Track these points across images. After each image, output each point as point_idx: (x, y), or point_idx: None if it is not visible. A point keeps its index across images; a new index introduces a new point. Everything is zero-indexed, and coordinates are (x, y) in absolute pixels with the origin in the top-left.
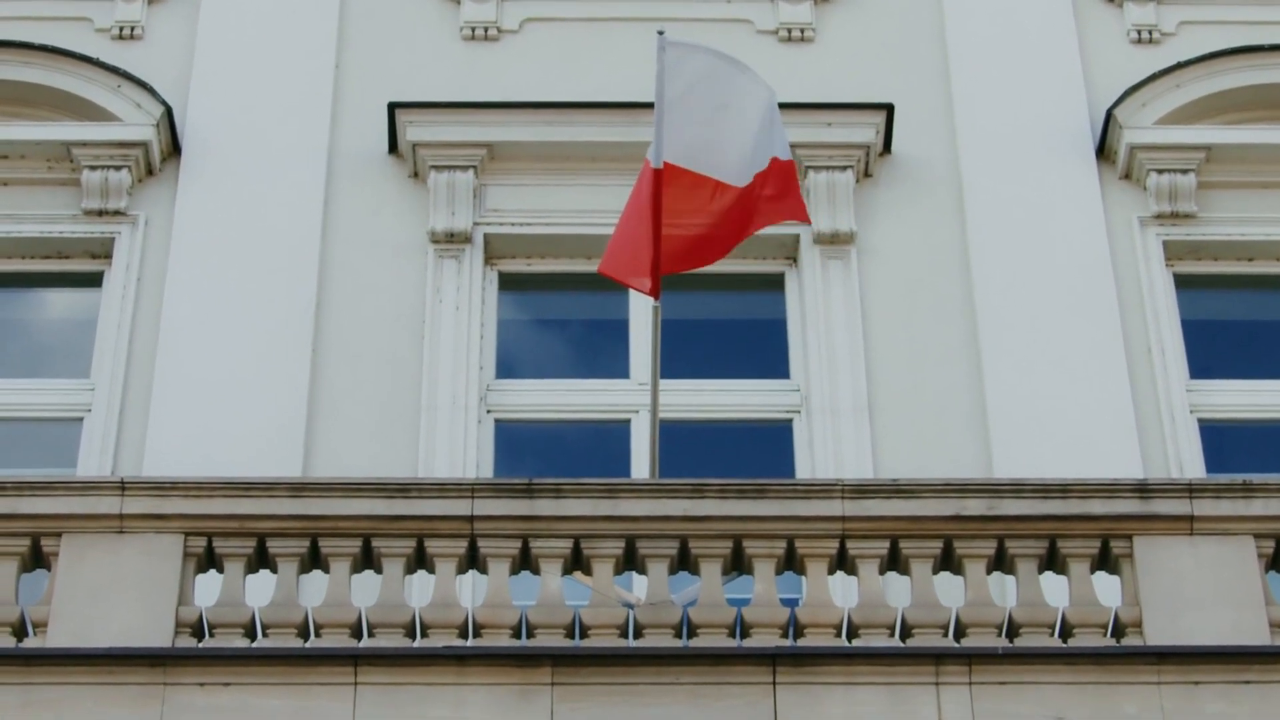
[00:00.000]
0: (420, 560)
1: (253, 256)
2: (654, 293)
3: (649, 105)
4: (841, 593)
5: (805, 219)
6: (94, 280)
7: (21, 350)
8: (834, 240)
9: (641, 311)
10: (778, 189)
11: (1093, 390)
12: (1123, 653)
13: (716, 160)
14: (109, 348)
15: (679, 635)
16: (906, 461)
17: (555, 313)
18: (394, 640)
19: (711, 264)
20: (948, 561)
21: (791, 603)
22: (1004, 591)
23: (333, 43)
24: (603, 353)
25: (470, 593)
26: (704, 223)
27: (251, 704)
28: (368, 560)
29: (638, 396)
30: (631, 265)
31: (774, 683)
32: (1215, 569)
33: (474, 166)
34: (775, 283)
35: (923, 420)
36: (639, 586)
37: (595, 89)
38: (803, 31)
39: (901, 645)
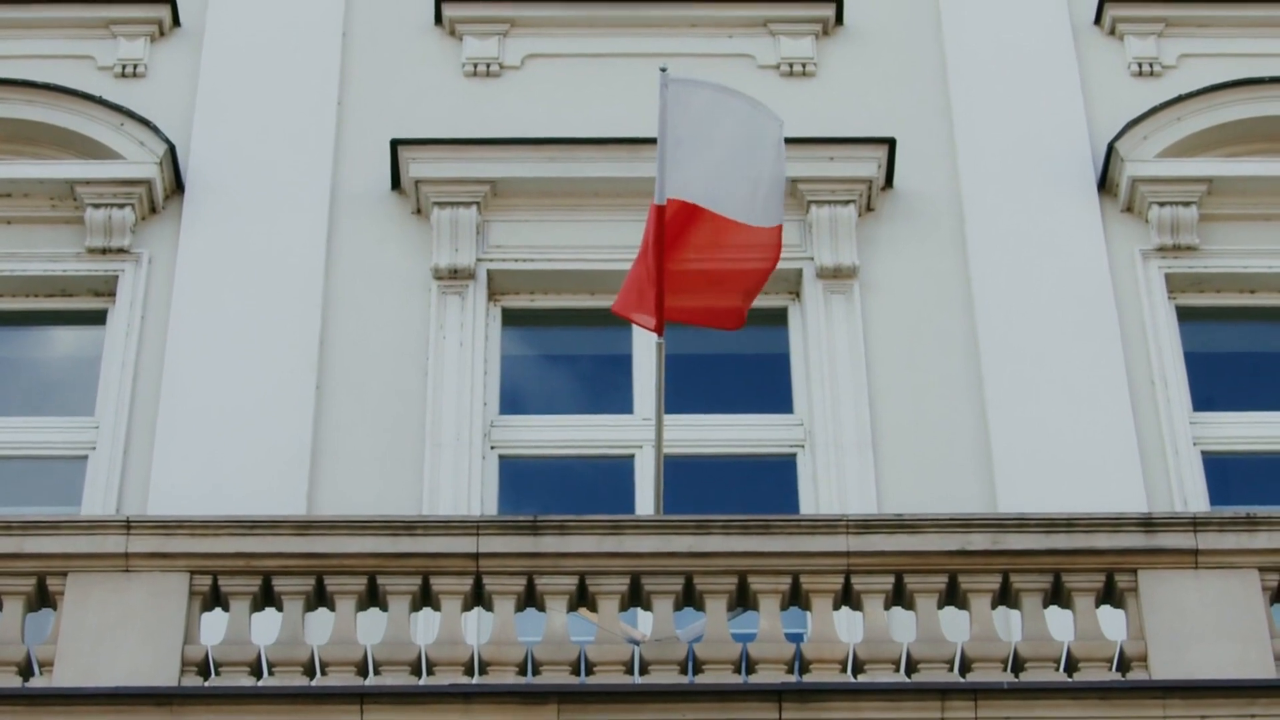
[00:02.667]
0: (426, 598)
1: (256, 294)
2: (658, 329)
3: (651, 141)
4: (847, 628)
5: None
6: (98, 318)
7: (25, 388)
8: (836, 274)
9: (645, 346)
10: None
11: (1096, 423)
12: (1128, 687)
13: (724, 196)
14: (113, 385)
15: (684, 671)
16: (910, 495)
17: (559, 348)
18: (400, 678)
19: (731, 326)
20: (953, 596)
21: (797, 638)
22: (1009, 626)
23: (335, 79)
24: (606, 388)
25: (476, 630)
26: (712, 257)
27: None
28: (373, 598)
29: (642, 432)
30: (638, 303)
31: (780, 718)
32: (1220, 602)
33: (477, 203)
34: (778, 317)
35: (926, 454)
36: (644, 623)
37: (597, 125)
38: (804, 66)
39: (907, 680)
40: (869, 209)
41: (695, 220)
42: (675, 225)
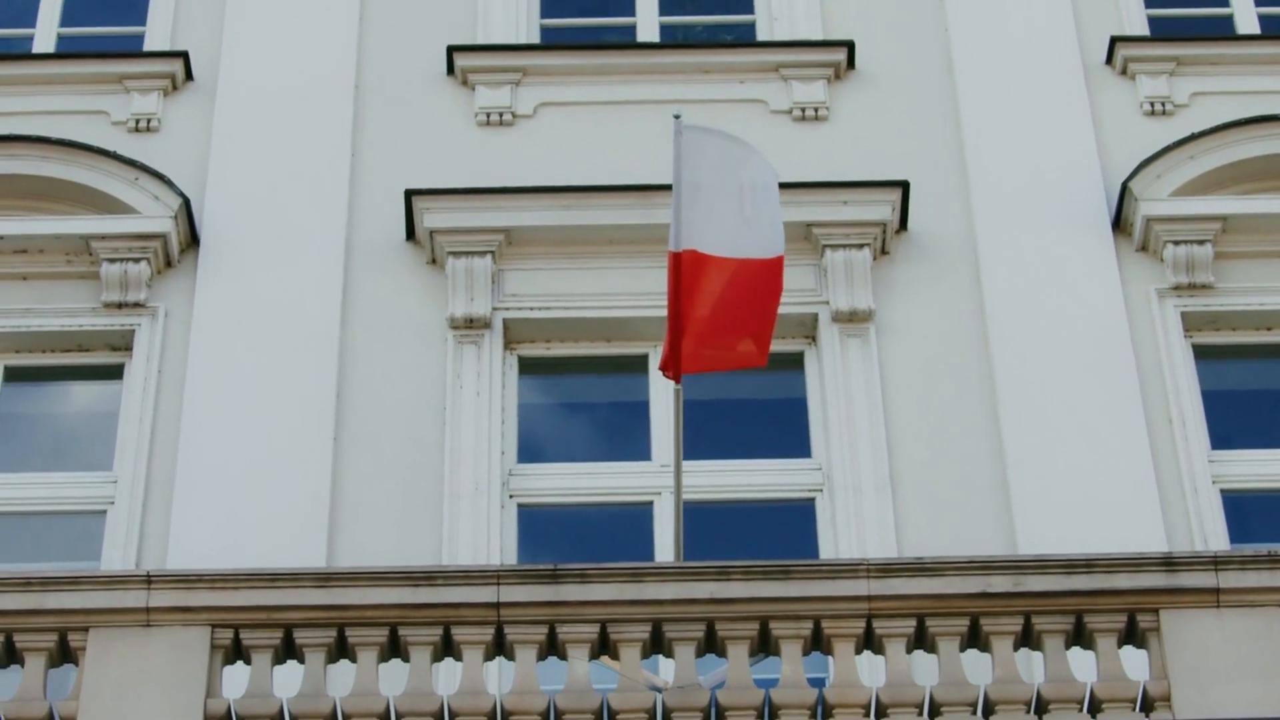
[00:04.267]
0: (447, 648)
1: (273, 346)
2: (675, 377)
3: (665, 187)
4: (869, 672)
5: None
6: (115, 373)
7: (44, 444)
8: (852, 318)
9: (662, 393)
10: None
11: (1115, 463)
12: None
13: (733, 239)
14: (131, 440)
15: (707, 718)
16: (930, 538)
17: (576, 396)
18: None
19: (754, 363)
20: (974, 639)
21: (819, 683)
22: (1031, 668)
23: (348, 131)
24: (624, 435)
25: (498, 679)
26: (728, 300)
27: None
28: (395, 649)
29: (660, 478)
30: (666, 353)
31: None
32: (1242, 641)
33: (491, 252)
34: (795, 361)
35: (945, 496)
36: (666, 670)
37: (611, 172)
38: (816, 111)
39: None
40: (884, 252)
41: (710, 268)
42: (697, 273)
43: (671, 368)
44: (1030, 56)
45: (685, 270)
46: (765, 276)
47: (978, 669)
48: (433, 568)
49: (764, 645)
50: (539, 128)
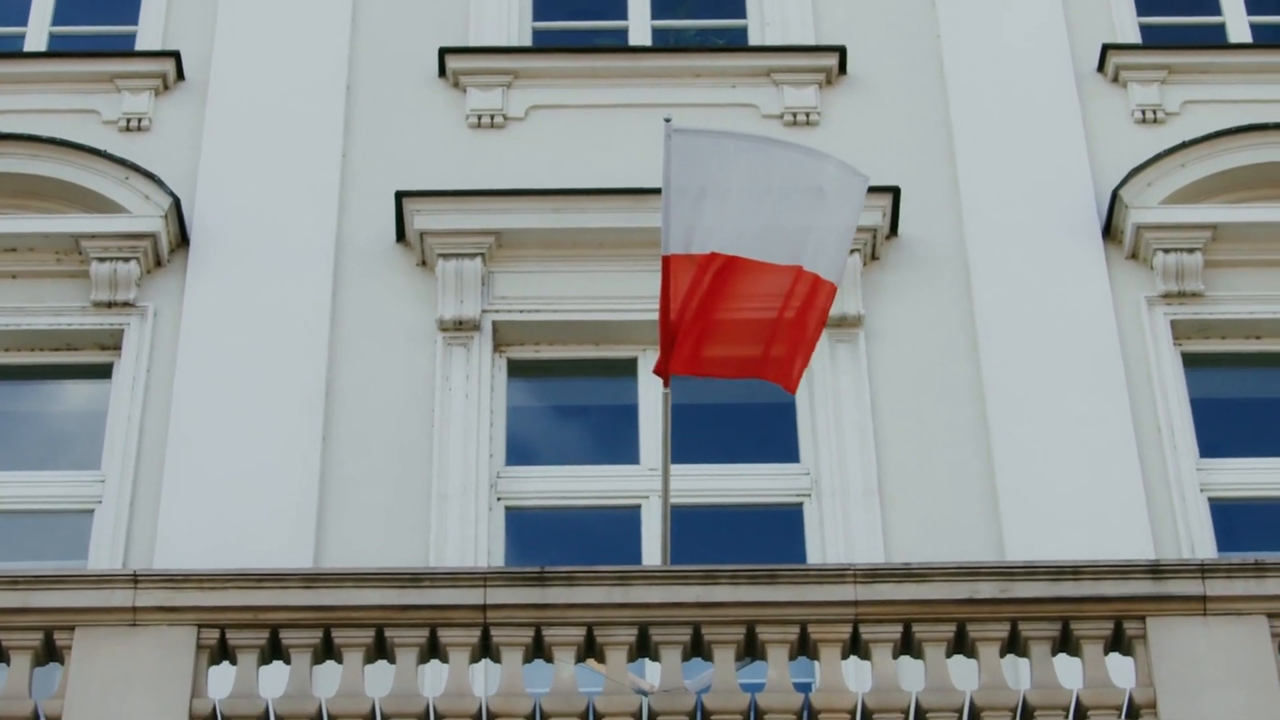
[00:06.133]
0: (433, 650)
1: (262, 347)
2: (665, 381)
3: (656, 191)
4: (855, 677)
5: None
6: (104, 372)
7: (32, 442)
8: (842, 323)
9: (651, 396)
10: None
11: (1103, 470)
12: None
13: (761, 242)
14: (119, 439)
15: None
16: (917, 544)
17: (565, 399)
18: None
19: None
20: (961, 645)
21: (805, 688)
22: (1017, 674)
23: (339, 132)
24: (613, 438)
25: (483, 682)
26: (756, 307)
27: None
28: (381, 650)
29: (648, 482)
30: (661, 357)
31: None
32: (1229, 650)
33: (482, 254)
34: None
35: (933, 502)
36: (652, 673)
37: (602, 175)
38: (808, 116)
39: None
40: (874, 257)
41: (735, 270)
42: (712, 275)
43: (662, 367)
44: (1022, 63)
45: (704, 272)
46: (816, 297)
47: (964, 675)
48: (420, 569)
49: (750, 649)
50: (530, 130)
